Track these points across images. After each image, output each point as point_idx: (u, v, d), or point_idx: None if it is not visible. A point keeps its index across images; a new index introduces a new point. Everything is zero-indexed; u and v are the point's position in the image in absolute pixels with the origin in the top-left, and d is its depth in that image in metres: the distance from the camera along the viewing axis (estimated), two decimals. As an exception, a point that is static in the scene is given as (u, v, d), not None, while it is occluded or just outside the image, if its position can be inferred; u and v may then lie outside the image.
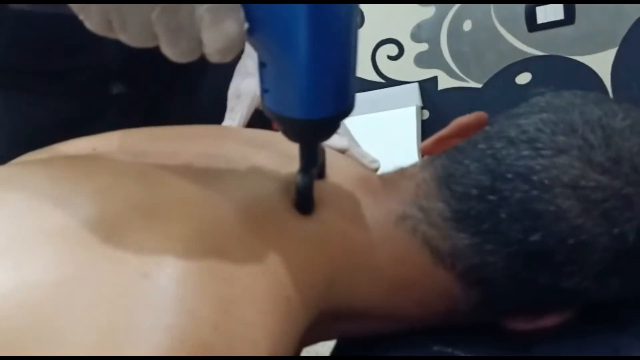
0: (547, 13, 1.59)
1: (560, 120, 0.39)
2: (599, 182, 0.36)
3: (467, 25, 1.70)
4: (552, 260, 0.37)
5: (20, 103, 0.67)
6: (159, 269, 0.31)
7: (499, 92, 1.72)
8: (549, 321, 0.40)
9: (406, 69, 1.80)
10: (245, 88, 0.61)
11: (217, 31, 0.29)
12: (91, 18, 0.30)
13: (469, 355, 0.42)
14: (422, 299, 0.41)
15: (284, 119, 0.34)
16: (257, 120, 0.62)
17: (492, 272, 0.38)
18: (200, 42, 0.30)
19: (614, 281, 0.37)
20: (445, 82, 1.77)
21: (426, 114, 1.82)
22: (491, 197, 0.38)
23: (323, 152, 0.41)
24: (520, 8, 1.62)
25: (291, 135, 0.36)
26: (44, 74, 0.64)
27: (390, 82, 1.83)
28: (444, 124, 1.55)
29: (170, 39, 0.30)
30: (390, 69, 1.82)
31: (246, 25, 0.30)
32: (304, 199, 0.39)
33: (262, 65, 0.33)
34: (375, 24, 1.79)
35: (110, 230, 0.33)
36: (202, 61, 0.70)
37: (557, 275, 0.37)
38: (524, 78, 1.69)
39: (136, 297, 0.30)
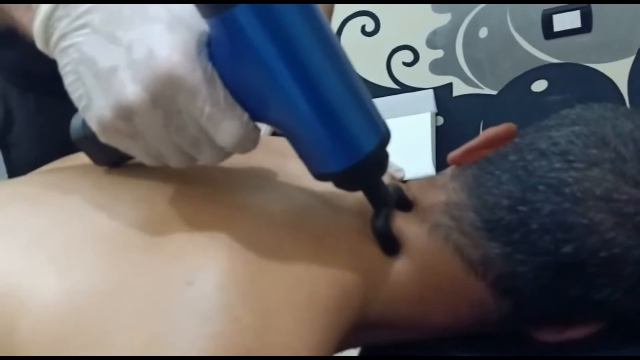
0: (564, 21, 1.59)
1: (592, 133, 0.39)
2: (632, 195, 0.36)
3: (483, 33, 1.70)
4: (584, 272, 0.37)
5: (53, 107, 0.68)
6: (203, 277, 0.32)
7: (514, 100, 1.72)
8: (578, 332, 0.41)
9: (421, 75, 1.80)
10: None
11: (222, 133, 0.32)
12: (139, 156, 0.36)
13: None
14: (453, 307, 0.41)
15: (330, 176, 0.35)
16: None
17: (523, 282, 0.38)
18: (220, 146, 0.34)
19: None
20: (460, 88, 1.77)
21: (441, 120, 1.82)
22: (522, 208, 0.38)
23: (398, 187, 0.42)
24: (537, 15, 1.62)
25: (346, 187, 0.37)
26: None
27: (405, 89, 1.83)
28: (458, 131, 1.55)
29: (195, 152, 0.34)
30: (406, 75, 1.82)
31: (246, 116, 0.33)
32: (383, 241, 0.40)
33: (287, 138, 0.35)
34: (391, 31, 1.80)
35: (154, 237, 0.34)
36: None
37: (588, 287, 0.37)
38: (540, 85, 1.69)
39: (182, 304, 0.30)
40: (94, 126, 0.34)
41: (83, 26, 0.32)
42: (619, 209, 0.36)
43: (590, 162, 0.38)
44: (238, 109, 0.32)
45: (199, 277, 0.32)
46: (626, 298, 0.38)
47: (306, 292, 0.34)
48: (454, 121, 1.80)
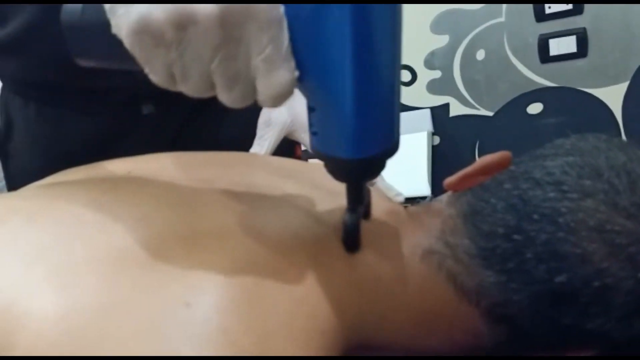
0: (560, 45, 1.61)
1: (586, 164, 0.40)
2: (624, 227, 0.37)
3: (481, 55, 1.72)
4: (577, 301, 0.37)
5: (55, 117, 0.69)
6: (201, 299, 0.32)
7: (510, 121, 1.74)
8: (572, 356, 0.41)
9: (419, 95, 1.82)
10: (275, 117, 0.63)
11: (271, 79, 0.31)
12: (156, 71, 0.32)
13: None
14: (447, 333, 0.42)
15: (332, 159, 0.36)
16: (282, 148, 0.64)
17: (517, 310, 0.39)
18: (254, 89, 0.32)
19: (637, 323, 0.38)
20: (456, 109, 1.79)
21: (437, 139, 1.84)
22: (517, 237, 0.39)
23: (368, 191, 0.42)
24: (533, 39, 1.64)
25: (338, 175, 0.37)
26: (80, 92, 0.66)
27: (403, 108, 1.84)
28: (454, 150, 1.56)
29: (227, 86, 0.32)
30: (403, 95, 1.84)
31: (296, 73, 0.31)
32: (351, 238, 0.40)
33: (310, 109, 0.34)
34: (389, 50, 1.82)
35: (152, 258, 0.34)
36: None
37: (581, 316, 0.38)
38: (535, 108, 1.70)
39: (179, 326, 0.31)
40: (128, 23, 0.30)
41: None
42: (612, 239, 0.37)
43: (584, 192, 0.38)
44: (293, 62, 0.31)
45: (197, 299, 0.32)
46: (618, 328, 0.38)
47: (303, 314, 0.34)
48: (450, 141, 1.81)
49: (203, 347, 0.30)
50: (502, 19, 1.67)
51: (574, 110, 1.65)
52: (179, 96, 0.68)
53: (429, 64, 1.79)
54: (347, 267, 0.39)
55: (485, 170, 0.45)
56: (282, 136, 0.63)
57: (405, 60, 1.81)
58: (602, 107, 1.63)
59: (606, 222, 0.37)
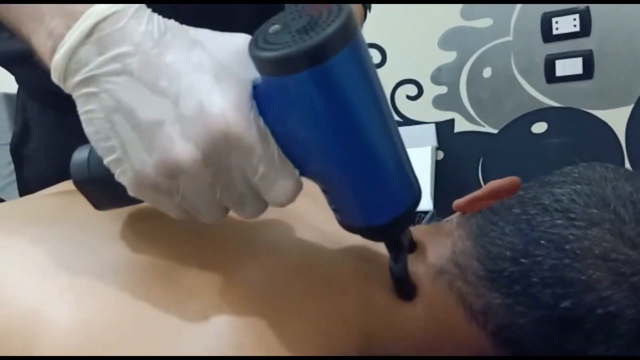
0: (566, 66, 1.62)
1: (593, 193, 0.41)
2: (629, 256, 0.38)
3: (487, 72, 1.73)
4: (581, 327, 0.38)
5: (72, 126, 0.68)
6: (218, 314, 0.33)
7: (514, 139, 1.75)
8: None
9: (424, 109, 1.83)
10: None
11: (275, 192, 0.32)
12: (169, 211, 0.33)
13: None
14: (454, 353, 0.43)
15: (358, 229, 0.36)
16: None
17: (522, 333, 0.40)
18: (264, 202, 0.33)
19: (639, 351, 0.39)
20: (461, 125, 1.80)
21: (441, 154, 1.85)
22: (524, 261, 0.40)
23: (408, 231, 0.43)
24: (540, 59, 1.66)
25: (372, 238, 0.39)
26: None
27: (408, 122, 1.86)
28: (458, 166, 1.57)
29: (239, 206, 0.33)
30: (409, 109, 1.86)
31: (297, 172, 0.32)
32: (401, 285, 0.41)
33: (323, 191, 0.35)
34: (397, 64, 1.83)
35: (169, 272, 0.35)
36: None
37: (585, 342, 0.39)
38: (539, 127, 1.72)
39: (196, 340, 0.32)
40: (127, 180, 0.31)
41: (119, 71, 0.30)
42: (617, 268, 0.38)
43: (590, 221, 0.40)
44: (290, 166, 0.32)
45: (213, 314, 0.33)
46: (621, 354, 0.39)
47: (315, 331, 0.35)
48: (454, 156, 1.82)
49: None
50: (510, 38, 1.69)
51: (578, 130, 1.66)
52: None
53: (436, 79, 1.80)
54: (358, 287, 0.40)
55: (495, 194, 0.46)
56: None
57: (412, 74, 1.83)
58: (605, 129, 1.64)
59: (611, 251, 0.38)
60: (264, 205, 0.33)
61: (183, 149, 0.29)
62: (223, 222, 0.42)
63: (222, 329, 0.32)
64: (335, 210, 0.36)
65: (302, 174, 0.33)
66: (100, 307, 0.33)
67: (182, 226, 0.40)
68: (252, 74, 0.31)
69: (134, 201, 0.35)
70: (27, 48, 0.64)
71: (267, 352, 0.32)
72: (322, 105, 0.30)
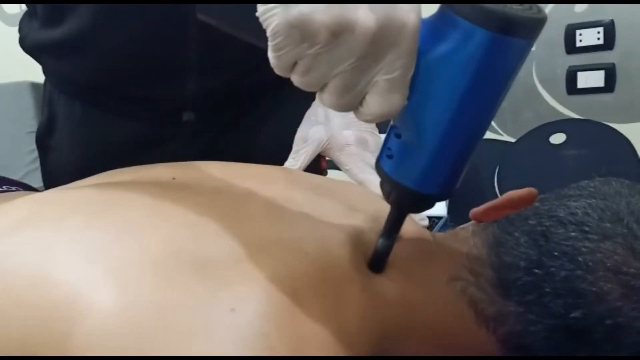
0: (588, 79, 1.63)
1: (608, 208, 0.43)
2: (639, 270, 0.39)
3: (508, 81, 1.74)
4: (590, 337, 0.40)
5: (99, 119, 0.72)
6: (246, 305, 0.35)
7: (531, 149, 1.75)
8: None
9: (443, 115, 1.85)
10: (313, 134, 0.66)
11: (386, 99, 0.33)
12: (282, 58, 0.32)
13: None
14: (463, 356, 0.44)
15: (391, 181, 0.38)
16: (312, 164, 0.67)
17: (533, 340, 0.41)
18: (359, 102, 0.34)
19: None
20: (480, 132, 1.81)
21: (457, 161, 1.85)
22: (537, 271, 0.41)
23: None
24: (562, 71, 1.66)
25: (392, 200, 0.40)
26: (125, 98, 0.70)
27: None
28: (474, 173, 1.58)
29: (340, 92, 0.33)
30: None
31: (406, 102, 0.34)
32: (378, 261, 0.43)
33: (397, 135, 0.37)
34: (418, 69, 1.84)
35: (202, 264, 0.37)
36: (269, 105, 0.76)
37: (593, 351, 0.40)
38: (558, 138, 1.72)
39: (225, 328, 0.33)
40: (285, 14, 0.30)
41: None
42: (627, 281, 0.39)
43: (604, 235, 0.41)
44: (407, 92, 0.34)
45: (242, 305, 0.35)
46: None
47: (335, 326, 0.37)
48: (470, 163, 1.83)
49: (245, 349, 0.33)
50: (533, 48, 1.68)
51: (597, 143, 1.66)
52: (220, 108, 0.72)
53: (456, 86, 1.82)
54: (376, 286, 0.42)
55: (512, 204, 0.47)
56: (317, 153, 0.66)
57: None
58: (624, 143, 1.64)
59: (622, 264, 0.39)
60: (355, 105, 0.34)
61: (366, 14, 0.30)
62: (249, 217, 0.44)
63: (249, 320, 0.34)
64: (389, 156, 0.38)
65: (406, 108, 0.35)
66: (140, 294, 0.35)
67: (216, 220, 0.42)
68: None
69: (239, 28, 0.36)
70: (57, 37, 0.66)
71: (289, 342, 0.34)
72: (477, 67, 0.32)
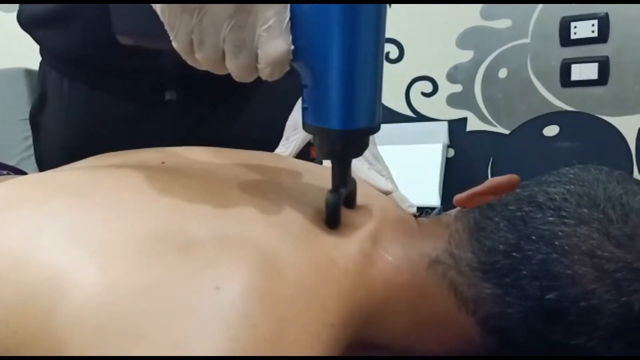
0: (582, 71, 1.64)
1: (585, 194, 0.44)
2: (614, 254, 0.40)
3: (503, 73, 1.75)
4: (564, 319, 0.41)
5: (86, 96, 0.74)
6: (229, 285, 0.35)
7: (525, 141, 1.76)
8: None
9: (438, 107, 1.85)
10: None
11: (270, 46, 0.38)
12: (179, 38, 0.39)
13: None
14: (443, 338, 0.45)
15: (318, 130, 0.41)
16: (302, 152, 0.68)
17: (509, 322, 0.42)
18: (255, 58, 0.39)
19: (618, 344, 0.41)
20: (474, 124, 1.82)
21: (451, 152, 1.87)
22: (515, 255, 0.42)
23: (354, 181, 0.47)
24: (556, 63, 1.67)
25: (325, 149, 0.43)
26: (111, 72, 0.72)
27: (421, 118, 1.88)
28: (468, 165, 1.60)
29: (234, 53, 0.39)
30: (423, 105, 1.87)
31: (292, 47, 0.38)
32: (331, 216, 0.45)
33: (304, 86, 0.41)
34: (414, 60, 1.85)
35: (186, 244, 0.38)
36: (252, 88, 0.77)
37: (567, 332, 0.41)
38: (551, 130, 1.73)
39: (208, 308, 0.34)
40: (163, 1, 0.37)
41: None
42: (601, 265, 0.40)
43: (580, 220, 0.42)
44: (290, 37, 0.38)
45: (226, 285, 0.35)
46: (601, 345, 0.41)
47: (317, 307, 0.38)
48: (464, 155, 1.84)
49: (228, 327, 0.33)
50: (528, 40, 1.70)
51: (590, 136, 1.67)
52: (202, 88, 0.73)
53: (451, 77, 1.82)
54: (359, 268, 0.43)
55: (494, 190, 0.48)
56: (307, 140, 0.67)
57: (427, 71, 1.84)
58: (617, 136, 1.65)
59: (597, 248, 0.40)
60: (254, 63, 0.39)
61: None
62: (234, 198, 0.45)
63: (233, 299, 0.35)
64: (305, 108, 0.42)
65: (298, 57, 0.39)
66: (123, 274, 0.35)
67: (197, 203, 0.43)
68: None
69: (150, 35, 0.41)
70: (45, 8, 0.67)
71: (271, 322, 0.34)
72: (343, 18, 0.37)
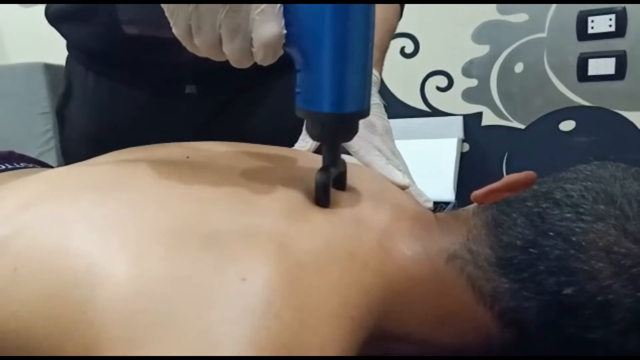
0: (599, 66, 1.63)
1: (602, 191, 0.44)
2: (630, 250, 0.41)
3: (519, 68, 1.74)
4: (581, 313, 0.42)
5: (109, 89, 0.77)
6: (255, 276, 0.37)
7: (541, 136, 1.76)
8: None
9: (453, 101, 1.85)
10: None
11: (264, 29, 0.39)
12: (178, 24, 0.41)
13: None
14: (461, 331, 0.46)
15: (310, 114, 0.43)
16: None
17: (526, 316, 0.43)
18: (250, 42, 0.40)
19: (633, 338, 0.42)
20: (489, 119, 1.82)
21: (466, 147, 1.87)
22: (533, 250, 0.43)
23: (344, 163, 0.49)
24: (573, 58, 1.66)
25: (316, 132, 0.45)
26: (132, 66, 0.74)
27: (436, 112, 1.88)
28: (482, 159, 1.60)
29: (230, 37, 0.40)
30: (438, 100, 1.87)
31: (284, 31, 0.40)
32: (320, 195, 0.46)
33: (296, 71, 0.42)
34: (429, 55, 1.85)
35: (212, 237, 0.39)
36: (267, 82, 0.79)
37: (583, 327, 0.42)
38: (567, 125, 1.72)
39: (234, 298, 0.35)
40: None
41: None
42: (618, 260, 0.41)
43: (597, 216, 0.42)
44: (282, 21, 0.40)
45: (251, 276, 0.37)
46: (616, 340, 0.42)
47: (338, 299, 0.39)
48: (479, 150, 1.84)
49: (254, 316, 0.35)
50: (544, 35, 1.69)
51: (606, 131, 1.66)
52: (219, 82, 0.74)
53: (467, 72, 1.82)
54: (379, 262, 0.44)
55: (511, 187, 0.49)
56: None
57: (443, 66, 1.84)
58: (634, 131, 1.64)
59: (614, 244, 0.41)
60: (249, 48, 0.41)
61: None
62: (260, 187, 0.46)
63: (257, 289, 0.36)
64: (298, 92, 0.43)
65: (291, 40, 0.41)
66: (153, 266, 0.37)
67: (222, 197, 0.44)
68: None
69: (154, 25, 0.43)
70: (77, 6, 0.69)
71: (294, 312, 0.36)
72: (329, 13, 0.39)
